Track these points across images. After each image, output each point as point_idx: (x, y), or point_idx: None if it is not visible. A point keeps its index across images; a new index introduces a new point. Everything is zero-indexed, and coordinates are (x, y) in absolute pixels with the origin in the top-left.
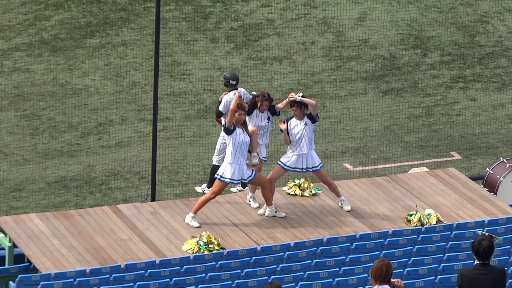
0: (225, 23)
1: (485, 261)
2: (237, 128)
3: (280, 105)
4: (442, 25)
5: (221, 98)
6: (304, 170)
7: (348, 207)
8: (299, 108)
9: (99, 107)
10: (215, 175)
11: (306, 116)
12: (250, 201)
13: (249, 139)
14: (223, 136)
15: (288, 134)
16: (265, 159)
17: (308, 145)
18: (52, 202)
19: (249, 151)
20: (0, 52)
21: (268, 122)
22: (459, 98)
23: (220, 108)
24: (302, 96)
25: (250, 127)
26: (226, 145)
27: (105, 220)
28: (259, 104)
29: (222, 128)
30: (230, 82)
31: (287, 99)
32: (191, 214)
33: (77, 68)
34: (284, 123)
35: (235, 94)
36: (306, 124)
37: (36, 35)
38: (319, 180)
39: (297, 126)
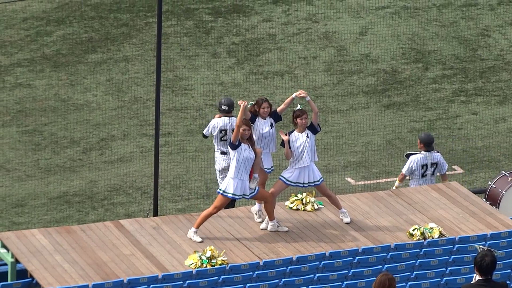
0: (226, 38)
1: (488, 276)
2: (242, 143)
3: (282, 106)
4: (444, 39)
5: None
6: (305, 185)
7: (347, 219)
8: (307, 117)
9: (101, 122)
10: (218, 190)
11: (306, 128)
12: (256, 213)
13: (254, 155)
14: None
15: (290, 148)
16: (270, 170)
17: (310, 157)
18: (55, 218)
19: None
20: (2, 68)
21: (271, 129)
22: (460, 112)
23: (204, 131)
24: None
25: (257, 147)
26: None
27: (107, 235)
28: (259, 109)
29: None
30: (222, 107)
31: (291, 97)
32: (193, 229)
33: (79, 83)
34: (286, 135)
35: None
36: (307, 136)
37: (37, 50)
38: (320, 194)
39: (299, 138)
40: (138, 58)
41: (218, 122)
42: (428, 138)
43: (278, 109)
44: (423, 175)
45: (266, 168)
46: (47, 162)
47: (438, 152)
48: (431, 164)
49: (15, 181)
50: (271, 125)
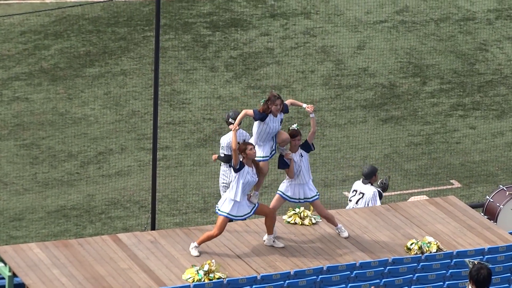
0: (224, 52)
1: None
2: (246, 166)
3: (292, 101)
4: (441, 54)
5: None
6: (301, 201)
7: (345, 234)
8: (300, 139)
9: (99, 136)
10: (220, 213)
11: (299, 147)
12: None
13: (256, 179)
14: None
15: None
16: (267, 158)
17: (306, 175)
18: (52, 231)
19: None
20: None
21: (280, 124)
22: (458, 126)
23: (223, 152)
24: (299, 127)
25: (261, 163)
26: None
27: (105, 249)
28: (272, 105)
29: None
30: (230, 120)
31: (301, 104)
32: (195, 244)
33: (76, 97)
34: (291, 159)
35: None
36: (301, 155)
37: (35, 64)
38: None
39: (293, 159)
40: (136, 72)
41: (229, 138)
42: (364, 169)
43: (287, 101)
44: (350, 200)
45: (266, 157)
46: (45, 176)
47: (376, 188)
48: (359, 193)
49: (12, 195)
50: (281, 121)
